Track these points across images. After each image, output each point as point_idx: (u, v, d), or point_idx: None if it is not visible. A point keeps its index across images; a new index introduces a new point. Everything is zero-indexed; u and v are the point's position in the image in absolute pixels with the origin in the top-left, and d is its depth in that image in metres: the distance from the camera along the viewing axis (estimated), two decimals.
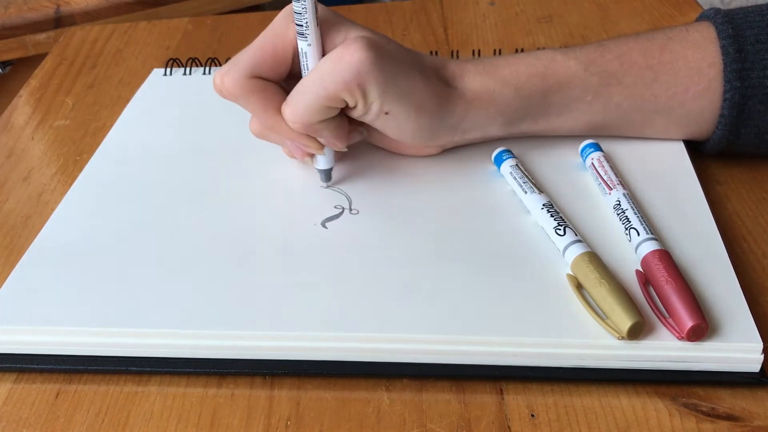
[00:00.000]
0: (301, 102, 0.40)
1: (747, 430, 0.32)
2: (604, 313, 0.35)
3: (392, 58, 0.40)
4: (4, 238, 0.47)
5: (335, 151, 0.44)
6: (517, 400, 0.35)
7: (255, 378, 0.37)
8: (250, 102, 0.41)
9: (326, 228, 0.42)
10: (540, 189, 0.42)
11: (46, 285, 0.40)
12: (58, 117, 0.59)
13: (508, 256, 0.39)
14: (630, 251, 0.38)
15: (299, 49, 0.41)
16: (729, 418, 0.33)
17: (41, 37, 0.89)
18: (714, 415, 0.33)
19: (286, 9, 0.41)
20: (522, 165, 0.44)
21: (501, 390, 0.35)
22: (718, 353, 0.34)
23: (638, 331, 0.34)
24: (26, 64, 0.89)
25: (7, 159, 0.55)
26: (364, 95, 0.39)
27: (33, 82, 0.64)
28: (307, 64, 0.41)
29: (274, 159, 0.48)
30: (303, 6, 0.39)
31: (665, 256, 0.37)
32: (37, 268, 0.41)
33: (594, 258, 0.37)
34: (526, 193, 0.42)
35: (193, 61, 0.60)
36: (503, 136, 0.46)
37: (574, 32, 0.63)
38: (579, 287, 0.36)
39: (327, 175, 0.45)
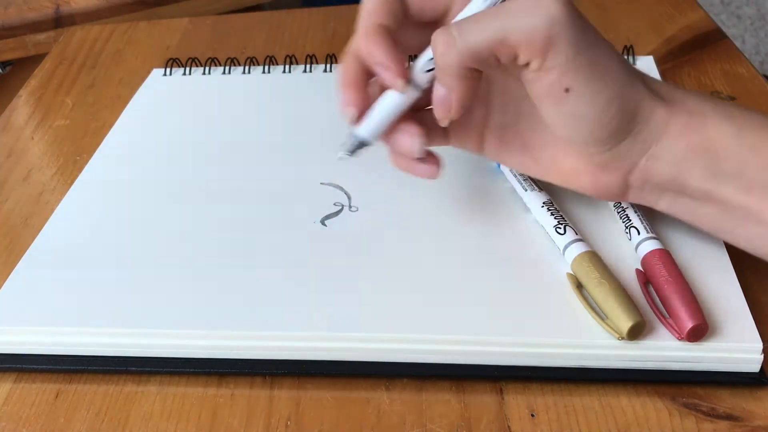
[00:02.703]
0: (470, 32, 0.32)
1: (747, 430, 0.32)
2: (604, 313, 0.35)
3: (591, 28, 0.33)
4: (4, 238, 0.47)
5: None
6: (517, 400, 0.34)
7: (255, 378, 0.37)
8: (367, 2, 0.35)
9: (325, 225, 0.42)
10: (540, 187, 0.42)
11: (46, 285, 0.40)
12: (58, 117, 0.59)
13: (508, 254, 0.39)
14: (630, 250, 0.38)
15: None
16: (729, 418, 0.33)
17: (41, 37, 0.89)
18: (714, 415, 0.33)
19: None
20: None
21: (501, 390, 0.35)
22: (718, 353, 0.34)
23: (638, 331, 0.34)
24: (26, 64, 0.89)
25: (7, 159, 0.54)
26: (547, 54, 0.31)
27: (33, 82, 0.64)
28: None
29: (273, 158, 0.48)
30: None
31: (665, 255, 0.37)
32: (37, 268, 0.41)
33: (594, 257, 0.37)
34: (526, 190, 0.42)
35: (193, 61, 0.60)
36: (695, 192, 0.34)
37: None
38: (579, 287, 0.36)
39: (358, 147, 0.36)
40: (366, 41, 0.35)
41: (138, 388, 0.37)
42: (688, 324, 0.33)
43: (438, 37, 0.33)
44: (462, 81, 0.33)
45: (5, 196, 0.50)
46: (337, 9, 0.71)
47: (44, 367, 0.38)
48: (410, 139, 0.36)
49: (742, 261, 0.39)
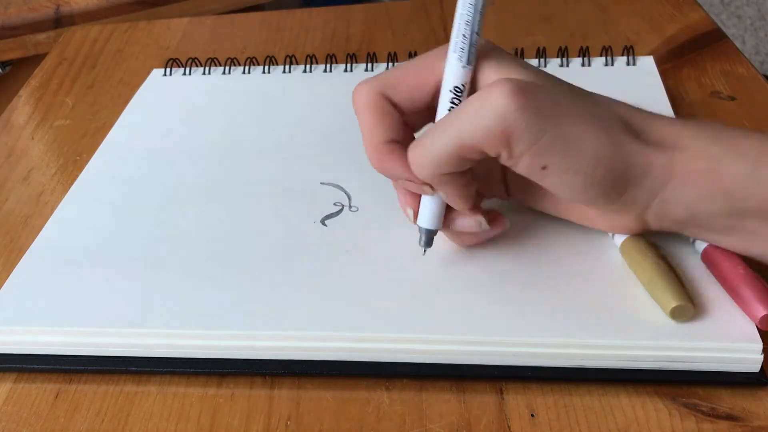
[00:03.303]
0: (431, 146, 0.34)
1: (747, 430, 0.32)
2: (650, 294, 0.35)
3: (551, 103, 0.33)
4: (4, 238, 0.47)
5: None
6: (517, 400, 0.34)
7: (255, 378, 0.37)
8: (364, 118, 0.36)
9: (326, 225, 0.42)
10: None
11: (46, 285, 0.40)
12: (58, 117, 0.59)
13: (508, 254, 0.39)
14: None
15: (442, 82, 0.35)
16: (729, 418, 0.33)
17: (41, 37, 0.89)
18: (714, 415, 0.33)
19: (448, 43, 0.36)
20: None
21: (501, 390, 0.35)
22: (718, 353, 0.34)
23: (683, 314, 0.34)
24: (26, 64, 0.89)
25: (7, 159, 0.55)
26: (510, 147, 0.32)
27: (33, 82, 0.64)
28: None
29: (273, 158, 0.48)
30: (464, 32, 0.34)
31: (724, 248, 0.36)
32: (37, 268, 0.41)
33: (644, 240, 0.37)
34: None
35: (193, 61, 0.60)
36: (717, 226, 0.34)
37: (574, 32, 0.63)
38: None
39: (429, 238, 0.38)
40: (380, 164, 0.36)
41: (138, 388, 0.37)
42: (762, 311, 0.33)
43: (410, 162, 0.35)
44: (449, 186, 0.35)
45: (5, 196, 0.50)
46: (337, 9, 0.71)
47: (44, 367, 0.38)
48: (472, 220, 0.37)
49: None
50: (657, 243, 0.37)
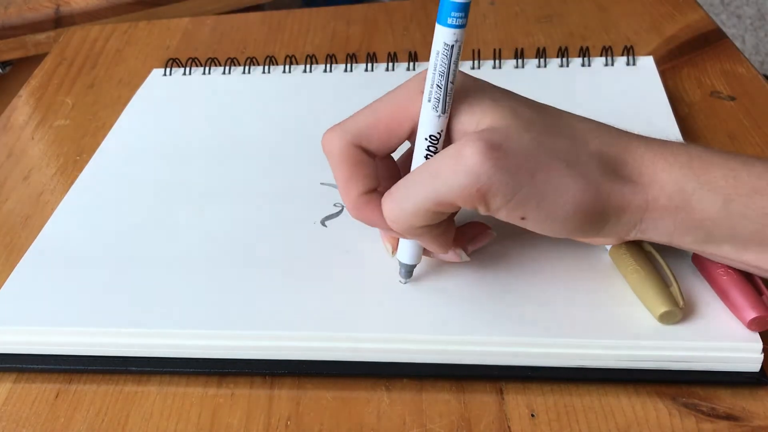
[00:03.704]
0: (404, 200, 0.33)
1: (747, 430, 0.32)
2: (640, 299, 0.35)
3: (524, 156, 0.32)
4: (4, 238, 0.47)
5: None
6: (517, 400, 0.34)
7: (255, 378, 0.37)
8: (338, 171, 0.35)
9: (326, 226, 0.42)
10: None
11: (46, 285, 0.40)
12: (58, 117, 0.59)
13: (507, 255, 0.39)
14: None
15: (417, 130, 0.34)
16: (729, 418, 0.33)
17: (41, 37, 0.89)
18: (714, 415, 0.33)
19: (419, 75, 0.35)
20: None
21: (501, 390, 0.35)
22: (718, 353, 0.34)
23: (671, 319, 0.34)
24: (26, 64, 0.89)
25: (7, 159, 0.55)
26: (486, 203, 0.32)
27: (33, 82, 0.64)
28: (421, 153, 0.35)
29: (274, 159, 0.48)
30: (438, 83, 0.32)
31: None
32: (37, 268, 0.41)
33: (632, 244, 0.37)
34: None
35: (193, 61, 0.60)
36: (697, 252, 0.35)
37: (574, 32, 0.63)
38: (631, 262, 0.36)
39: (408, 271, 0.38)
40: (359, 216, 0.36)
41: (138, 388, 0.37)
42: (751, 314, 0.34)
43: (384, 211, 0.34)
44: (425, 236, 0.35)
45: (5, 196, 0.50)
46: (337, 9, 0.71)
47: (44, 367, 0.38)
48: (451, 254, 0.38)
49: None
50: (648, 242, 0.37)
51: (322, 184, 0.45)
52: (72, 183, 0.48)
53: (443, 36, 0.31)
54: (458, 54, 0.32)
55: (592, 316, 0.35)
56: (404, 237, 0.36)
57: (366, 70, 0.58)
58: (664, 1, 0.65)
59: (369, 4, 0.72)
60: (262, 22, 0.70)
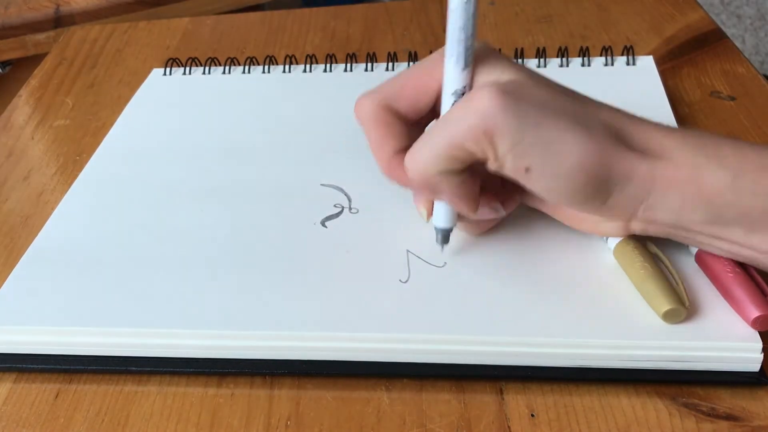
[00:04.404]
0: (421, 148, 0.35)
1: (747, 430, 0.32)
2: (643, 297, 0.35)
3: (534, 105, 0.33)
4: (4, 238, 0.47)
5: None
6: (517, 400, 0.35)
7: (255, 378, 0.37)
8: (370, 132, 0.37)
9: (326, 227, 0.42)
10: None
11: (46, 285, 0.40)
12: (58, 117, 0.59)
13: (508, 254, 0.39)
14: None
15: (443, 89, 0.36)
16: (729, 418, 0.33)
17: (41, 37, 0.89)
18: (714, 415, 0.33)
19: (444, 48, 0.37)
20: None
21: (501, 390, 0.35)
22: (718, 353, 0.34)
23: (676, 317, 0.34)
24: (26, 64, 0.89)
25: (7, 159, 0.55)
26: (493, 146, 0.33)
27: (33, 82, 0.64)
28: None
29: (274, 159, 0.48)
30: (458, 38, 0.34)
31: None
32: (37, 268, 0.41)
33: (637, 243, 0.37)
34: None
35: (193, 61, 0.60)
36: (706, 234, 0.34)
37: (574, 32, 0.63)
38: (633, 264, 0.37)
39: (444, 236, 0.39)
40: (392, 176, 0.37)
41: (138, 388, 0.37)
42: (755, 313, 0.34)
43: (405, 165, 0.36)
44: (444, 185, 0.35)
45: (5, 196, 0.50)
46: (337, 9, 0.71)
47: (44, 367, 0.38)
48: (487, 208, 0.38)
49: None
50: (652, 243, 0.37)
51: (322, 185, 0.45)
52: (72, 183, 0.48)
53: None
54: (475, 7, 0.33)
55: (593, 316, 0.35)
56: (425, 191, 0.37)
57: (366, 70, 0.58)
58: (664, 1, 0.65)
59: (369, 4, 0.72)
60: (262, 22, 0.70)
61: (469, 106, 0.33)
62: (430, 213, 0.39)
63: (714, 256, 0.36)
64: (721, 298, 0.35)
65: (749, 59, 0.57)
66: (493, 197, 0.38)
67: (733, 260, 0.35)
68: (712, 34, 0.60)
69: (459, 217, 0.38)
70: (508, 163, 0.33)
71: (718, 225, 0.34)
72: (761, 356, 0.34)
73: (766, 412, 0.33)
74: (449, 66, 0.35)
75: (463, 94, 0.35)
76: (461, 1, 0.33)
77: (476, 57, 0.35)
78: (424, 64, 0.37)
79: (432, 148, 0.34)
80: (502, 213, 0.39)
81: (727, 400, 0.34)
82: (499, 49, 0.57)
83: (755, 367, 0.34)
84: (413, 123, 0.38)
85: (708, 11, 0.64)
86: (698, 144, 0.33)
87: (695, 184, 0.33)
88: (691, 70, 0.56)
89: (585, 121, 0.33)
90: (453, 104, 0.35)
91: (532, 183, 0.34)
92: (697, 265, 0.37)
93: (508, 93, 0.33)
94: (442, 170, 0.34)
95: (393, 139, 0.37)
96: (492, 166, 0.34)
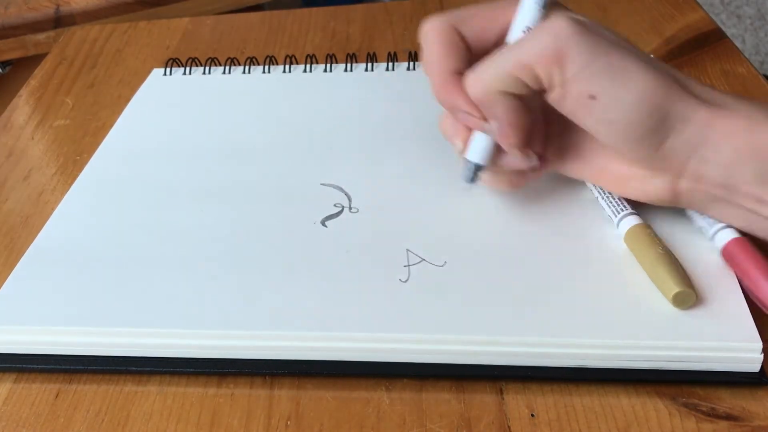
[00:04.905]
0: (488, 65, 0.35)
1: (747, 430, 0.32)
2: (653, 281, 0.36)
3: (603, 37, 0.34)
4: (4, 238, 0.47)
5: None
6: (517, 400, 0.35)
7: (255, 378, 0.37)
8: (432, 46, 0.38)
9: (326, 227, 0.42)
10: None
11: (46, 285, 0.40)
12: (58, 117, 0.59)
13: (507, 254, 0.39)
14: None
15: (514, 22, 0.37)
16: (729, 418, 0.33)
17: (41, 36, 0.89)
18: (714, 415, 0.33)
19: None
20: None
21: (501, 390, 0.35)
22: (718, 353, 0.34)
23: (686, 301, 0.35)
24: (26, 64, 0.89)
25: (7, 159, 0.55)
26: (562, 68, 0.33)
27: (33, 82, 0.64)
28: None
29: (274, 159, 0.48)
30: None
31: (747, 243, 0.36)
32: (37, 268, 0.41)
33: (649, 229, 0.37)
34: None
35: (193, 61, 0.60)
36: (747, 198, 0.34)
37: None
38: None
39: (473, 171, 0.38)
40: (445, 95, 0.37)
41: (138, 388, 0.37)
42: None
43: (467, 78, 0.36)
44: (500, 106, 0.35)
45: (5, 196, 0.50)
46: (337, 9, 0.71)
47: (44, 367, 0.38)
48: (523, 157, 0.38)
49: None
50: (665, 237, 0.38)
51: (322, 184, 0.45)
52: (72, 183, 0.48)
53: None
54: None
55: (592, 315, 0.35)
56: (486, 124, 0.37)
57: (366, 70, 0.58)
58: (664, 1, 0.65)
59: (369, 4, 0.71)
60: (262, 22, 0.70)
61: (543, 29, 0.34)
62: (465, 146, 0.39)
63: (746, 248, 0.36)
64: (723, 298, 0.35)
65: (749, 59, 0.57)
66: (528, 147, 0.38)
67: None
68: (712, 34, 0.60)
69: (492, 161, 0.38)
70: (574, 87, 0.34)
71: (765, 186, 0.33)
72: (761, 356, 0.34)
73: (766, 412, 0.33)
74: (529, 2, 0.36)
75: None
76: None
77: (550, 6, 0.36)
78: (499, 2, 0.38)
79: (500, 65, 0.35)
80: (535, 163, 0.38)
81: (727, 400, 0.34)
82: None
83: (755, 367, 0.34)
84: (474, 53, 0.38)
85: (708, 11, 0.64)
86: (756, 103, 0.34)
87: (750, 136, 0.33)
88: (691, 70, 0.56)
89: (651, 61, 0.34)
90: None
91: (594, 112, 0.34)
92: (712, 261, 0.37)
93: (583, 23, 0.34)
94: (505, 89, 0.35)
95: (453, 57, 0.37)
96: (555, 94, 0.34)
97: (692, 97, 0.33)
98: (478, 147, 0.38)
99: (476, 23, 0.38)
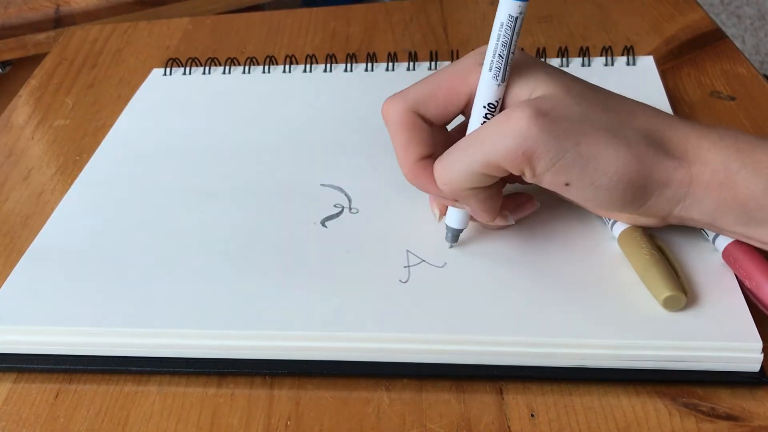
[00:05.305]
0: (454, 162, 0.35)
1: (747, 430, 0.32)
2: (645, 284, 0.36)
3: (571, 123, 0.33)
4: (4, 238, 0.47)
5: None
6: (517, 400, 0.35)
7: (255, 378, 0.37)
8: (396, 136, 0.37)
9: (326, 227, 0.42)
10: None
11: (46, 285, 0.40)
12: (58, 117, 0.59)
13: (507, 254, 0.39)
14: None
15: (475, 99, 0.36)
16: (729, 418, 0.33)
17: (41, 37, 0.89)
18: (714, 415, 0.33)
19: (478, 49, 0.37)
20: None
21: (501, 390, 0.35)
22: (718, 353, 0.34)
23: (676, 304, 0.35)
24: (26, 64, 0.89)
25: (7, 159, 0.55)
26: (532, 166, 0.33)
27: (33, 82, 0.64)
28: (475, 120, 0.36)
29: (274, 159, 0.48)
30: (500, 53, 0.34)
31: (749, 246, 0.36)
32: (37, 268, 0.41)
33: (641, 231, 0.37)
34: None
35: (193, 61, 0.60)
36: (739, 234, 0.35)
37: (574, 32, 0.63)
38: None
39: (455, 235, 0.39)
40: (415, 180, 0.38)
41: (138, 388, 0.37)
42: None
43: (435, 172, 0.36)
44: (472, 200, 0.36)
45: (5, 196, 0.50)
46: (337, 9, 0.71)
47: (44, 367, 0.38)
48: (500, 218, 0.39)
49: None
50: (664, 237, 0.38)
51: (322, 185, 0.45)
52: (72, 183, 0.48)
53: (508, 8, 0.33)
54: (520, 26, 0.34)
55: (592, 315, 0.35)
56: (453, 201, 0.37)
57: (366, 70, 0.58)
58: (664, 1, 0.65)
59: (369, 4, 0.72)
60: (262, 22, 0.70)
61: (506, 128, 0.33)
62: (443, 213, 0.40)
63: (748, 250, 0.36)
64: (723, 299, 0.35)
65: (749, 59, 0.57)
66: (508, 203, 0.39)
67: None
68: (712, 34, 0.60)
69: (472, 219, 0.39)
70: (546, 179, 0.34)
71: (751, 226, 0.34)
72: (761, 356, 0.34)
73: (766, 412, 0.33)
74: (486, 78, 0.35)
75: (495, 107, 0.35)
76: (510, 17, 0.33)
77: (513, 68, 0.35)
78: (458, 68, 0.37)
79: (466, 165, 0.34)
80: (512, 222, 0.39)
81: (727, 400, 0.34)
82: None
83: (755, 367, 0.34)
84: (439, 125, 0.38)
85: (708, 11, 0.64)
86: (734, 147, 0.34)
87: (730, 189, 0.34)
88: (692, 70, 0.56)
89: (622, 133, 0.34)
90: (485, 116, 0.35)
91: (571, 195, 0.35)
92: (710, 264, 0.37)
93: (545, 113, 0.33)
94: (473, 186, 0.35)
95: (418, 145, 0.37)
96: (529, 180, 0.34)
97: (669, 160, 0.34)
98: (455, 215, 0.39)
99: (438, 102, 0.37)
